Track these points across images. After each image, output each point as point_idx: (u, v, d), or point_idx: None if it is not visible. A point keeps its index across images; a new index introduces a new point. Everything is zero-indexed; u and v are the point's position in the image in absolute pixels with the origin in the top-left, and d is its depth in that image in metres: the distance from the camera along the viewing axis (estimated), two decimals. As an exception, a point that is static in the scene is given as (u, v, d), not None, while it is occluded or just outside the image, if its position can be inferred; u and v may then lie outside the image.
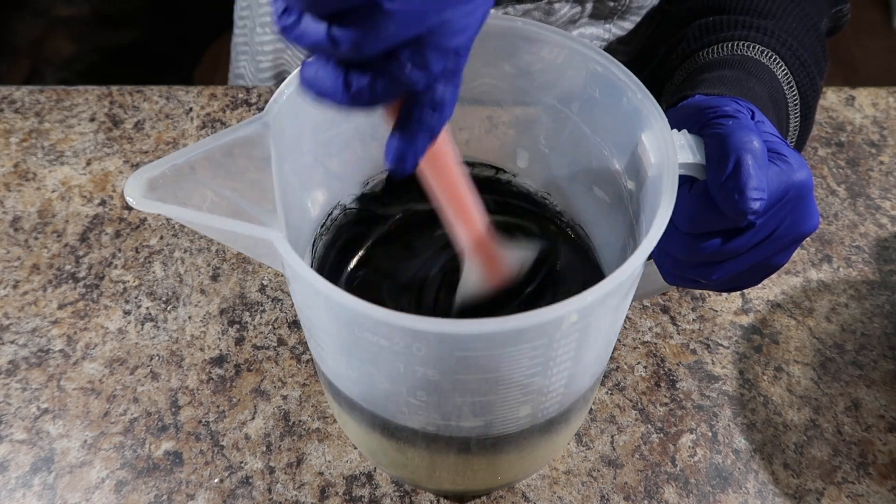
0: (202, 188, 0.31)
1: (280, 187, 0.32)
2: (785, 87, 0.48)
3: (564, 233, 0.46)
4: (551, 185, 0.46)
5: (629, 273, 0.29)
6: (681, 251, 0.36)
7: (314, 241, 0.42)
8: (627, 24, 0.68)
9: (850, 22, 0.62)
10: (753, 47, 0.48)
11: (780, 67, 0.48)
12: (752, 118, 0.37)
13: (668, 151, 0.33)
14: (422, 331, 0.27)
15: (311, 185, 0.40)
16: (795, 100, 0.49)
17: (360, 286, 0.44)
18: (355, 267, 0.44)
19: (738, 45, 0.49)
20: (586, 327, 0.30)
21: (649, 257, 0.35)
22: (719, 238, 0.35)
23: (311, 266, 0.40)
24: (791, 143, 0.50)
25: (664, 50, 0.55)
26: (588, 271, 0.44)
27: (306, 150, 0.38)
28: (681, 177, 0.34)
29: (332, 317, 0.30)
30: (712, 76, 0.46)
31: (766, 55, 0.48)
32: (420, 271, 0.44)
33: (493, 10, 0.62)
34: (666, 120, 0.33)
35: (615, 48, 0.70)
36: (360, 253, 0.45)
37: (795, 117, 0.50)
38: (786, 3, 0.53)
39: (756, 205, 0.33)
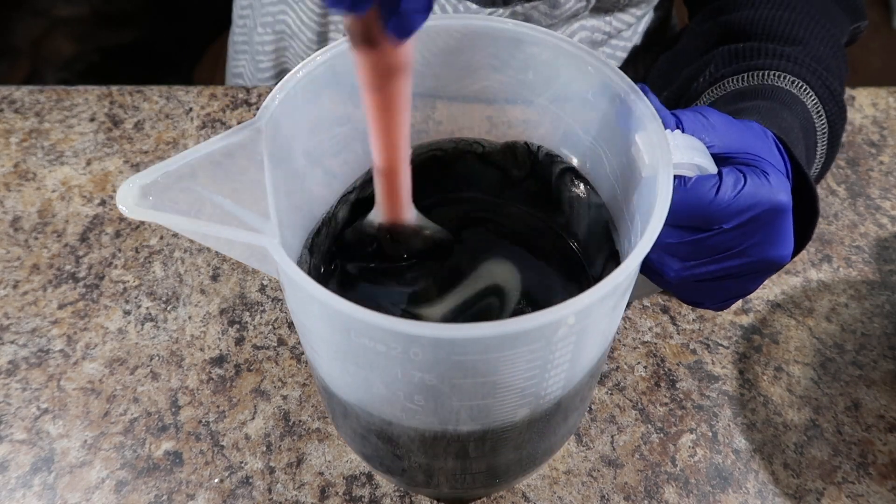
0: (195, 195, 0.30)
1: (274, 192, 0.32)
2: (814, 116, 0.48)
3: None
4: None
5: (626, 275, 0.29)
6: None
7: (310, 244, 0.42)
8: (628, 18, 0.68)
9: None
10: (784, 77, 0.48)
11: (811, 97, 0.48)
12: (777, 149, 0.38)
13: (663, 152, 0.33)
14: (419, 335, 0.27)
15: (308, 187, 0.40)
16: (824, 128, 0.49)
17: (357, 290, 0.44)
18: (352, 270, 0.44)
19: (769, 74, 0.49)
20: (584, 329, 0.30)
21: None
22: (680, 232, 0.35)
23: (307, 271, 0.40)
24: (816, 169, 0.51)
25: (688, 73, 0.55)
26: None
27: (301, 152, 0.38)
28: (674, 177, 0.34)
29: (328, 323, 0.30)
30: (748, 106, 0.46)
31: (797, 85, 0.48)
32: (418, 273, 0.44)
33: (497, 10, 0.62)
34: (660, 120, 0.33)
35: (615, 43, 0.70)
36: (357, 256, 0.45)
37: (822, 145, 0.50)
38: (811, 26, 0.53)
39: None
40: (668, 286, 0.39)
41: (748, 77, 0.49)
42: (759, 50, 0.51)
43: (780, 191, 0.35)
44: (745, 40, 0.54)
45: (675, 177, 0.34)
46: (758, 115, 0.44)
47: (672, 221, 0.35)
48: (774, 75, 0.49)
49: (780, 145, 0.39)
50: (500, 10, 0.61)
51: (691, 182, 0.34)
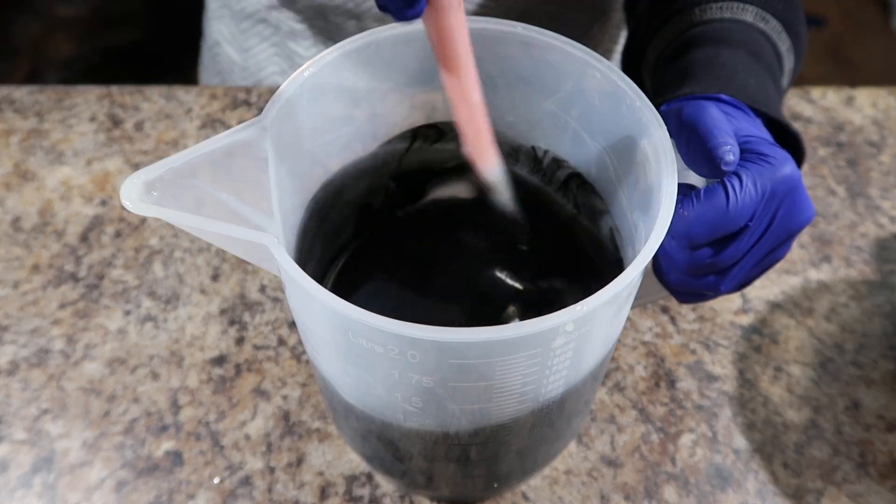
0: (199, 192, 0.31)
1: (278, 190, 0.32)
2: (761, 23, 0.45)
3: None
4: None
5: (627, 283, 0.29)
6: (683, 266, 0.36)
7: (312, 242, 0.42)
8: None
9: (850, 22, 0.60)
10: (709, 8, 0.46)
11: (748, 11, 0.45)
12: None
13: (668, 159, 0.32)
14: (417, 338, 0.27)
15: (312, 186, 0.40)
16: (778, 28, 0.46)
17: (357, 290, 0.44)
18: (352, 270, 0.44)
19: (693, 11, 0.46)
20: (584, 335, 0.30)
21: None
22: (715, 247, 0.35)
23: (308, 270, 0.40)
24: (790, 64, 0.49)
25: (632, 28, 0.54)
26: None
27: (306, 151, 0.38)
28: (680, 186, 0.33)
29: (327, 322, 0.30)
30: (683, 68, 0.43)
31: (728, 7, 0.45)
32: (418, 275, 0.44)
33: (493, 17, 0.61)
34: (665, 128, 0.33)
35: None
36: (358, 256, 0.45)
37: (785, 43, 0.47)
38: None
39: (728, 154, 0.33)
40: (718, 295, 0.39)
41: (678, 19, 0.47)
42: None
43: (784, 164, 0.34)
44: None
45: (683, 193, 0.34)
46: (696, 77, 0.42)
47: (700, 242, 0.34)
48: (699, 10, 0.46)
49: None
50: None
51: (701, 197, 0.34)
